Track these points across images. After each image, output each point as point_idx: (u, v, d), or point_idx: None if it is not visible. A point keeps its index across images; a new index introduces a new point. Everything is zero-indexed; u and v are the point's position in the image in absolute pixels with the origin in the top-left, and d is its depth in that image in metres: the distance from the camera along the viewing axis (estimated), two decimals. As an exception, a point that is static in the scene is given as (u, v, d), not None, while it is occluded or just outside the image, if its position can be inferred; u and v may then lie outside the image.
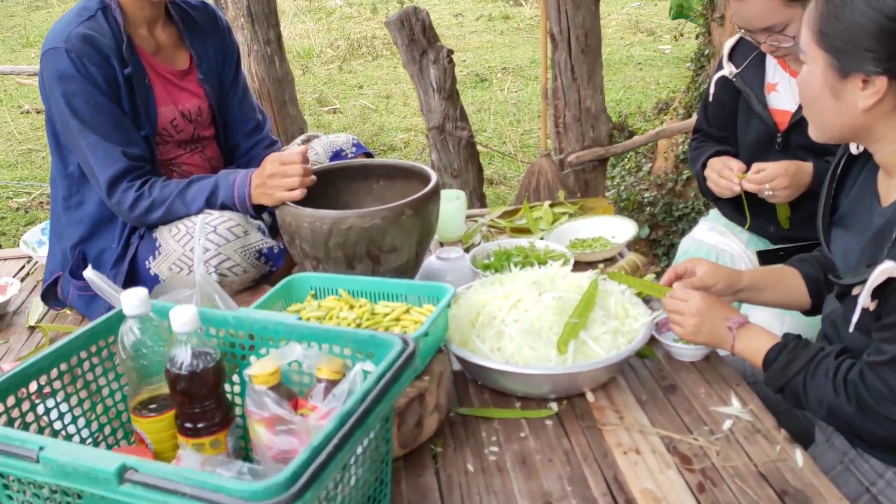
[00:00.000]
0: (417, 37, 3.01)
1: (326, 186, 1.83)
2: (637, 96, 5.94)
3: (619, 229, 2.12)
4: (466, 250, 2.12)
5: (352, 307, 1.45)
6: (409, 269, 1.65)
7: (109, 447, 1.20)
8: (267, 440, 1.04)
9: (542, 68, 2.97)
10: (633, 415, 1.37)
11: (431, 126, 3.16)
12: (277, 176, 1.66)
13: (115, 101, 1.72)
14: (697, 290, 1.43)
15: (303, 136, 2.08)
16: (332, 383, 1.07)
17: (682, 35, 5.96)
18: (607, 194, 3.94)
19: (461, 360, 1.44)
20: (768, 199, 1.79)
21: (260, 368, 1.06)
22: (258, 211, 1.77)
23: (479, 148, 3.37)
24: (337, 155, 2.01)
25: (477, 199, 3.37)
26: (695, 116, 3.29)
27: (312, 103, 6.30)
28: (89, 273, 1.29)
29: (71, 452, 0.86)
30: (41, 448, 0.87)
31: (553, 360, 1.37)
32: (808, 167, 1.76)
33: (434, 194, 1.63)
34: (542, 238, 2.10)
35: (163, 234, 1.77)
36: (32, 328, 1.85)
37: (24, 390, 1.05)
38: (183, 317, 1.06)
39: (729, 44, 1.96)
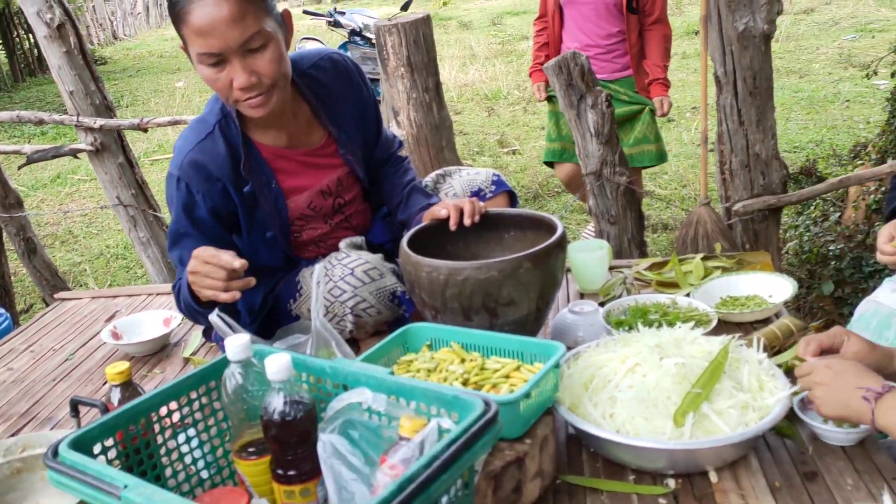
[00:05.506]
0: (575, 82, 2.96)
1: (458, 235, 1.83)
2: (841, 136, 5.43)
3: (778, 288, 1.93)
4: (605, 304, 2.02)
5: (462, 361, 1.43)
6: (528, 323, 1.59)
7: (215, 485, 1.25)
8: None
9: (701, 112, 2.80)
10: (760, 502, 1.22)
11: (589, 171, 3.08)
12: (200, 275, 1.55)
13: (225, 222, 1.75)
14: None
15: (437, 172, 2.08)
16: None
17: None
18: (788, 245, 3.62)
19: (571, 425, 1.36)
20: None
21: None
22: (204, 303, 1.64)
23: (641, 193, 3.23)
24: (475, 194, 1.99)
25: (636, 247, 3.23)
26: (890, 161, 2.94)
27: (493, 145, 6.36)
28: (213, 316, 1.37)
29: (147, 495, 0.90)
30: (125, 486, 0.92)
31: (668, 432, 1.25)
32: None
33: (556, 247, 1.57)
34: (688, 294, 1.96)
35: (304, 276, 1.84)
36: (186, 360, 2.01)
37: (132, 427, 1.13)
38: (276, 364, 1.09)
39: None
